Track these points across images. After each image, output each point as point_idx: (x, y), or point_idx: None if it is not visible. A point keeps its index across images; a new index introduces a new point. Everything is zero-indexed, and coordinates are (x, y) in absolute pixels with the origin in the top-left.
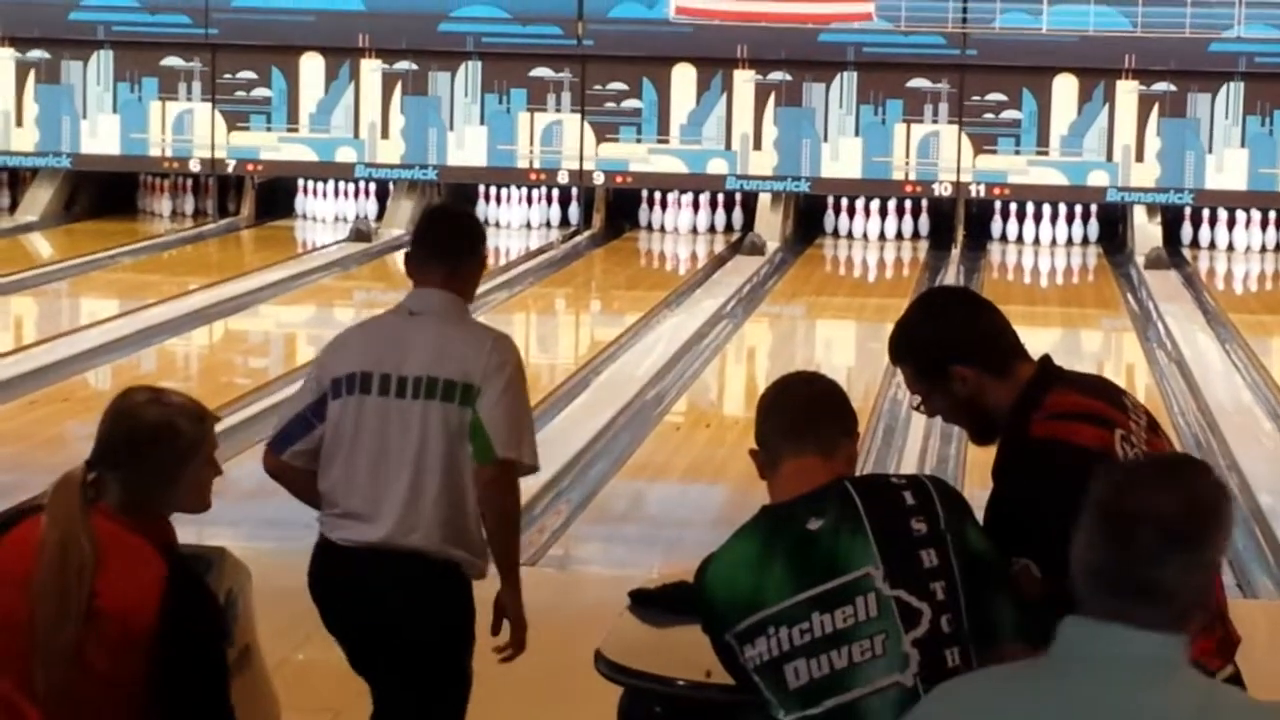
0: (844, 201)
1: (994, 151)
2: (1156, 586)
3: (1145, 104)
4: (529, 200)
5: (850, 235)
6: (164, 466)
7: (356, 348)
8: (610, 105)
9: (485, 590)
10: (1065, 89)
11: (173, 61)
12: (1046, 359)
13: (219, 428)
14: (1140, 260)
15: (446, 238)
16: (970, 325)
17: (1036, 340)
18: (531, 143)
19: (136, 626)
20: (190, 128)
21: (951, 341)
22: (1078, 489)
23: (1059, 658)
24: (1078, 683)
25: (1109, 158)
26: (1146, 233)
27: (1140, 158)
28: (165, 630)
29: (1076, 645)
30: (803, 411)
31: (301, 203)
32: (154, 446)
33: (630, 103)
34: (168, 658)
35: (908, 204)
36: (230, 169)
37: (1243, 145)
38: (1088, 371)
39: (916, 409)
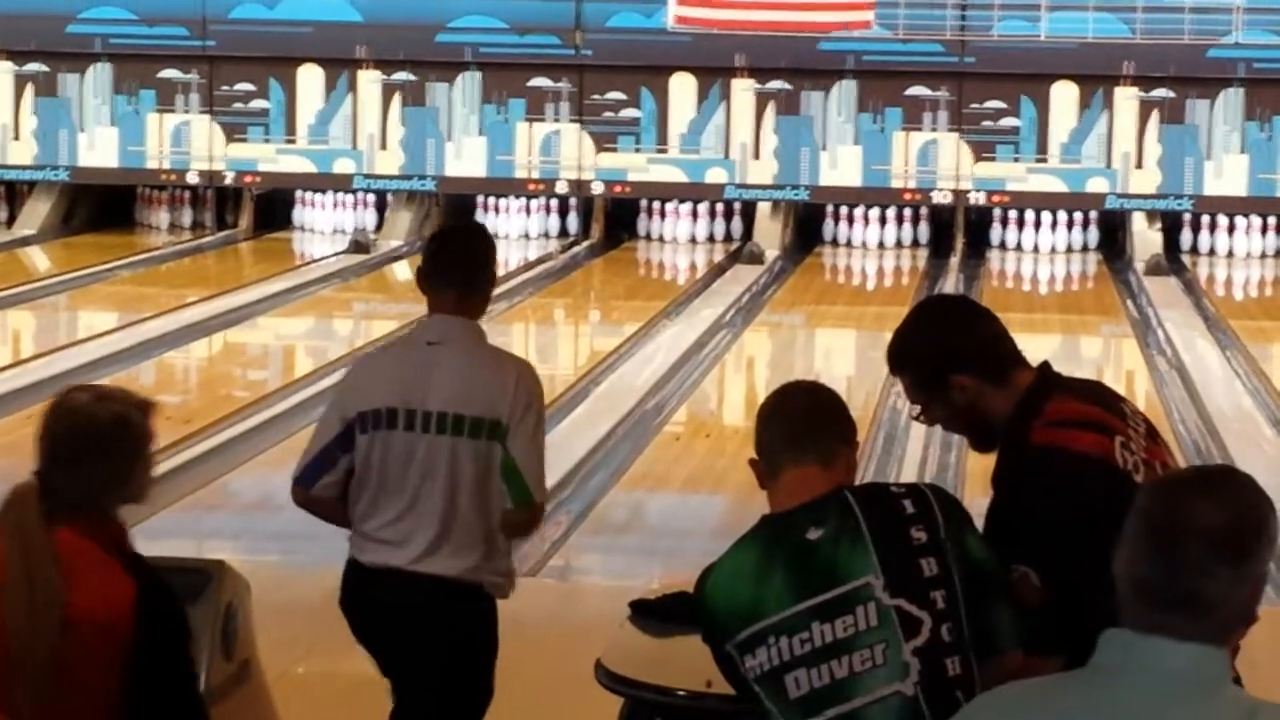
0: (843, 210)
1: (993, 159)
2: (1202, 599)
3: (1144, 110)
4: (528, 210)
5: (849, 244)
6: (121, 462)
7: (381, 381)
8: (609, 115)
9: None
10: (1064, 96)
11: (170, 73)
12: (1045, 366)
13: (218, 441)
14: (1140, 267)
15: (460, 259)
16: (968, 334)
17: (1036, 347)
18: (530, 153)
19: (113, 635)
20: (188, 140)
21: (950, 350)
22: (1077, 496)
23: (1100, 669)
24: (1117, 695)
25: (1108, 164)
26: (1146, 239)
27: (1140, 164)
28: (141, 636)
29: (1117, 657)
30: (802, 421)
31: (300, 214)
32: (115, 442)
33: (629, 112)
34: (144, 663)
35: (907, 212)
36: (228, 181)
37: (1242, 151)
38: (1087, 378)
39: (916, 418)
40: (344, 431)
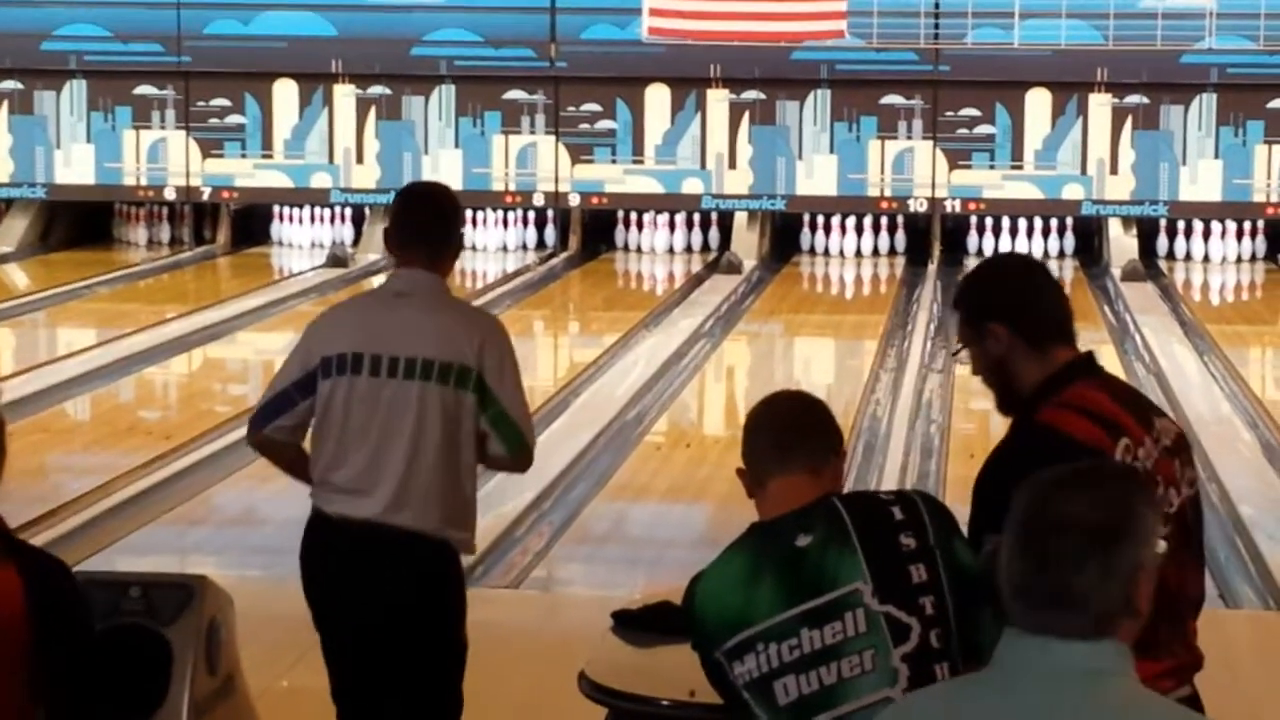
0: (820, 219)
1: (968, 166)
2: (1073, 595)
3: (1118, 117)
4: (505, 223)
5: (827, 252)
6: None
7: (346, 328)
8: (584, 126)
9: (481, 613)
10: (1038, 103)
11: (146, 90)
12: (1090, 355)
13: (199, 456)
14: (1116, 273)
15: (429, 219)
16: (1020, 291)
17: None
18: (506, 165)
19: (10, 637)
20: (165, 156)
21: (999, 297)
22: None
23: (998, 669)
24: (1012, 696)
25: (1083, 171)
26: (1122, 245)
27: (1114, 170)
28: (40, 630)
29: (1010, 657)
30: (789, 430)
31: (277, 229)
32: None
33: (604, 124)
34: (49, 657)
35: (883, 220)
36: (205, 196)
37: (1216, 156)
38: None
39: (953, 356)
40: (304, 377)
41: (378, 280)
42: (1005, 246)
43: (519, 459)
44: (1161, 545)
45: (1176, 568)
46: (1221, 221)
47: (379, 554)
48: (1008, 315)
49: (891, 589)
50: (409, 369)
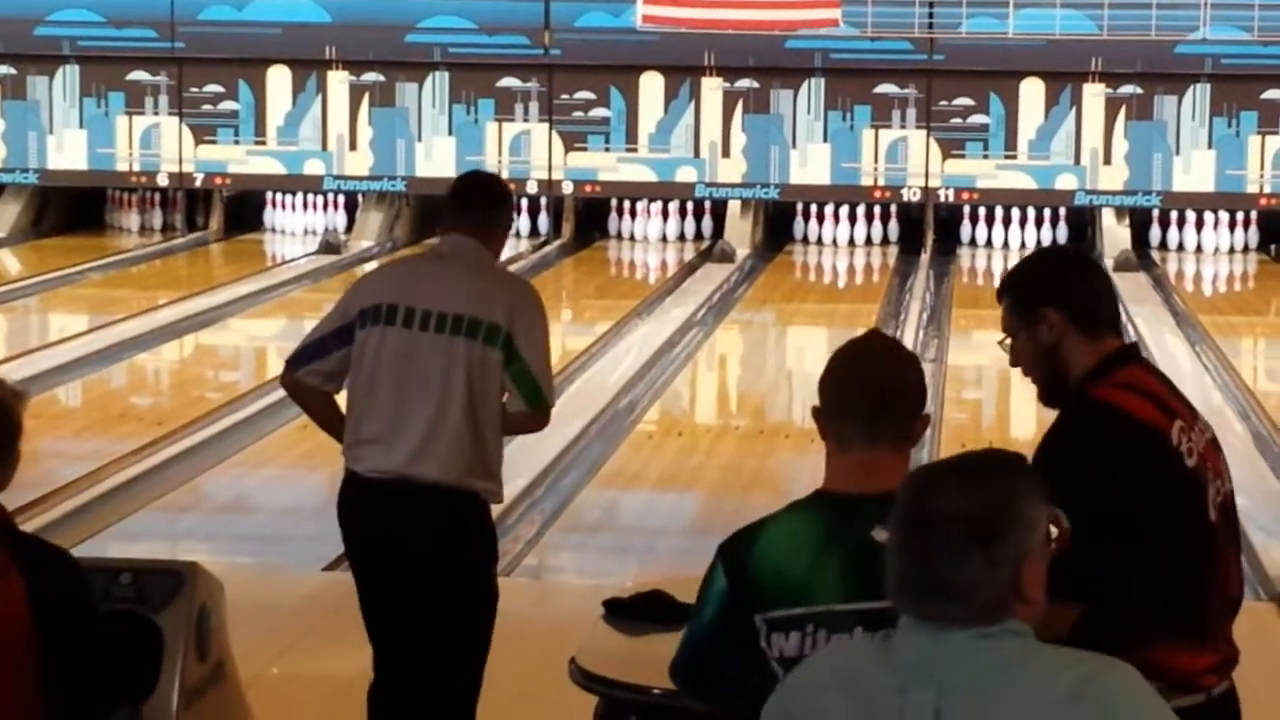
0: (813, 208)
1: (962, 156)
2: (955, 586)
3: (1112, 107)
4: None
5: (820, 241)
6: (4, 446)
7: (386, 281)
8: (578, 114)
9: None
10: (1032, 93)
11: (139, 75)
12: (1134, 345)
13: (190, 442)
14: (1109, 263)
15: (481, 195)
16: (1075, 278)
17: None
18: (500, 153)
19: (13, 629)
20: (157, 142)
21: (1053, 284)
22: (1124, 455)
23: (897, 654)
24: (911, 689)
25: (1077, 161)
26: (1115, 235)
27: (1108, 160)
28: (44, 624)
29: (904, 644)
30: (887, 400)
31: (270, 216)
32: (11, 432)
33: (598, 111)
34: (53, 649)
35: (877, 209)
36: (198, 183)
37: (1210, 147)
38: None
39: (1000, 344)
40: (343, 326)
41: (370, 267)
42: (998, 236)
43: (536, 413)
44: (1054, 531)
45: (1224, 564)
46: (1214, 212)
47: (406, 507)
48: (1062, 300)
49: None
50: (440, 323)
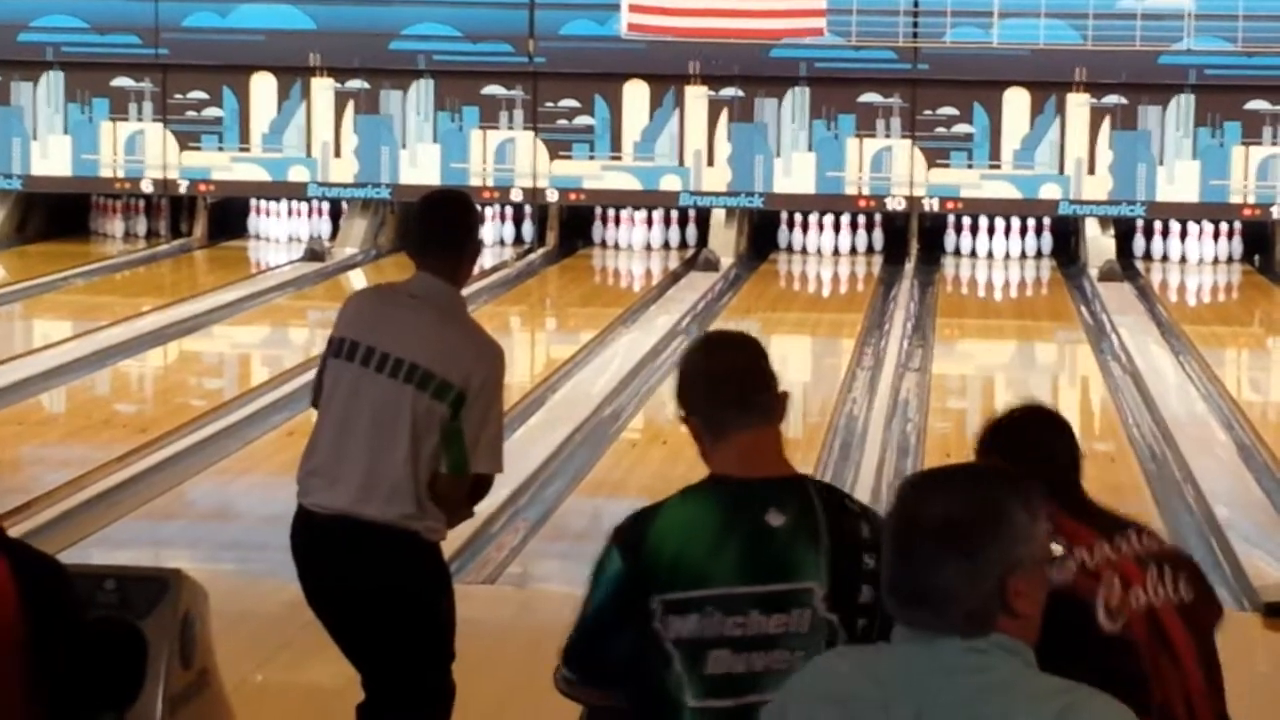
0: (797, 217)
1: (946, 165)
2: (936, 594)
3: (1096, 117)
4: (482, 218)
5: (804, 250)
6: None
7: (356, 315)
8: (563, 122)
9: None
10: (1016, 102)
11: (123, 82)
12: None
13: (174, 450)
14: (1093, 273)
15: (444, 227)
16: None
17: (992, 354)
18: (484, 160)
19: (5, 636)
20: (142, 148)
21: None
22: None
23: (890, 660)
24: (903, 682)
25: (1061, 171)
26: (1099, 245)
27: (1092, 170)
28: (34, 629)
29: (898, 654)
30: (745, 380)
31: (254, 223)
32: None
33: (582, 119)
34: (43, 654)
35: (861, 219)
36: (182, 189)
37: (1194, 157)
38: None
39: None
40: (323, 354)
41: (354, 274)
42: (983, 246)
43: (456, 476)
44: (1057, 549)
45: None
46: (1199, 222)
47: (350, 545)
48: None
49: (841, 600)
50: (395, 368)
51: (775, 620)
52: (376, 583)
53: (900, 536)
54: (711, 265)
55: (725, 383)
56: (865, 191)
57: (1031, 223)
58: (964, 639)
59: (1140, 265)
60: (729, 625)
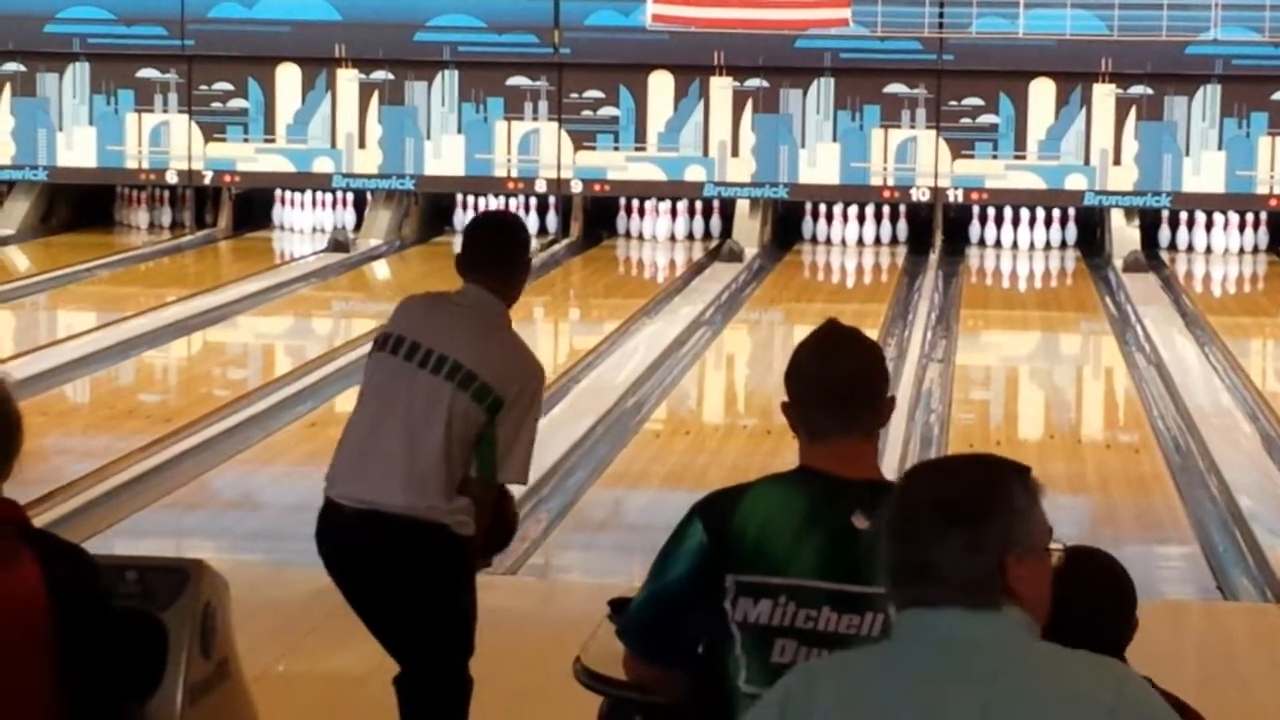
0: (822, 207)
1: (971, 156)
2: (932, 567)
3: (1122, 107)
4: (507, 209)
5: (828, 241)
6: (8, 443)
7: (405, 313)
8: (587, 113)
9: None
10: (1042, 93)
11: (149, 73)
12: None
13: (197, 440)
14: (1118, 263)
15: (490, 251)
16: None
17: (1016, 345)
18: (509, 151)
19: (32, 621)
20: (167, 139)
21: None
22: None
23: (894, 642)
24: (906, 664)
25: (1086, 161)
26: (1124, 236)
27: (1118, 161)
28: (62, 619)
29: (900, 632)
30: (858, 387)
31: (279, 213)
32: (11, 424)
33: (607, 110)
34: (70, 644)
35: (885, 209)
36: (207, 180)
37: (1220, 148)
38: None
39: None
40: (372, 346)
41: (378, 265)
42: (1007, 237)
43: (484, 480)
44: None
45: None
46: (1224, 213)
47: (375, 536)
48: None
49: None
50: (439, 364)
51: (846, 620)
52: (399, 575)
53: (900, 516)
54: (735, 256)
55: (835, 395)
56: (890, 182)
57: (1057, 213)
58: (967, 611)
59: (1165, 256)
60: (800, 617)
